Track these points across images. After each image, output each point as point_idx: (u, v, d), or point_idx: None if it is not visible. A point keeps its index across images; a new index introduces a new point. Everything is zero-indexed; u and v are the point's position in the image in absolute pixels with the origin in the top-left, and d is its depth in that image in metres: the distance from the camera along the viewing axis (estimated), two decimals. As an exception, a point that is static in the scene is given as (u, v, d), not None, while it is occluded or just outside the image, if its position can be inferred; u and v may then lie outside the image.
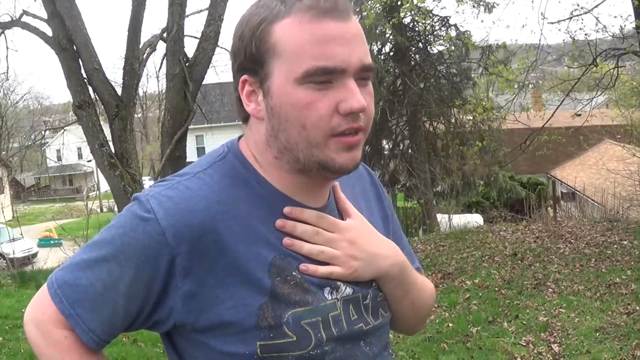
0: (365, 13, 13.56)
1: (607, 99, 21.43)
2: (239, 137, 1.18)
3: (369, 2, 13.66)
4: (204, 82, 9.90)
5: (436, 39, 19.28)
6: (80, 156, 49.05)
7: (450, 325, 5.99)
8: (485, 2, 15.66)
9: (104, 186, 23.66)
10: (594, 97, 12.36)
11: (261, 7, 1.06)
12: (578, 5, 10.50)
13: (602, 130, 20.99)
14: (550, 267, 7.79)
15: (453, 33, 18.00)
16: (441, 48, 19.26)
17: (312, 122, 1.03)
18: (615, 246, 8.56)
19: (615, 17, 30.97)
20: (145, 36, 9.88)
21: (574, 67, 11.67)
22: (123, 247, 1.03)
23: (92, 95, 9.16)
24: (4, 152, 45.91)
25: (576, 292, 6.76)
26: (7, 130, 52.17)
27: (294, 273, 1.08)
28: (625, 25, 11.08)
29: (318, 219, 1.12)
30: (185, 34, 9.12)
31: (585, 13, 10.33)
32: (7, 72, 13.04)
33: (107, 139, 9.27)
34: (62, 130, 30.07)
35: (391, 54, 19.31)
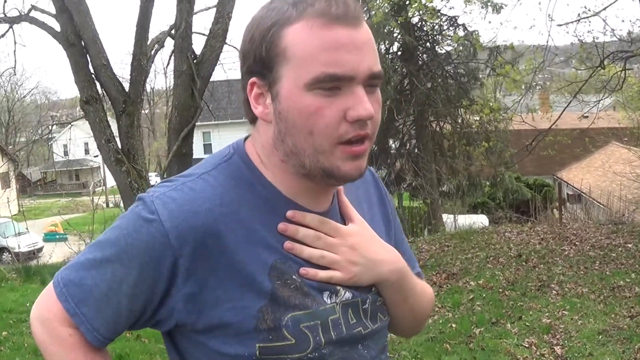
0: (373, 12, 13.57)
1: (614, 102, 21.34)
2: (246, 138, 1.18)
3: (377, 1, 13.66)
4: (211, 79, 9.92)
5: (444, 38, 19.23)
6: (87, 151, 49.12)
7: (454, 325, 5.99)
8: (493, 3, 15.64)
9: (110, 182, 23.72)
10: (601, 99, 12.34)
11: (272, 10, 1.06)
12: (586, 7, 10.49)
13: (609, 132, 20.90)
14: (555, 269, 7.77)
15: (461, 33, 17.93)
16: (449, 48, 19.22)
17: (319, 129, 1.03)
18: (620, 249, 8.54)
19: (623, 20, 30.82)
20: (153, 33, 9.94)
21: (582, 69, 11.63)
22: (127, 248, 1.04)
23: (100, 91, 9.20)
24: (11, 146, 46.13)
25: (580, 294, 6.75)
26: (14, 125, 52.43)
27: (294, 276, 1.09)
28: (633, 29, 11.10)
29: (320, 224, 1.13)
30: (193, 31, 9.13)
31: (593, 16, 10.31)
32: (15, 67, 13.13)
33: (114, 134, 9.29)
34: (69, 126, 30.12)
35: (399, 53, 19.26)
